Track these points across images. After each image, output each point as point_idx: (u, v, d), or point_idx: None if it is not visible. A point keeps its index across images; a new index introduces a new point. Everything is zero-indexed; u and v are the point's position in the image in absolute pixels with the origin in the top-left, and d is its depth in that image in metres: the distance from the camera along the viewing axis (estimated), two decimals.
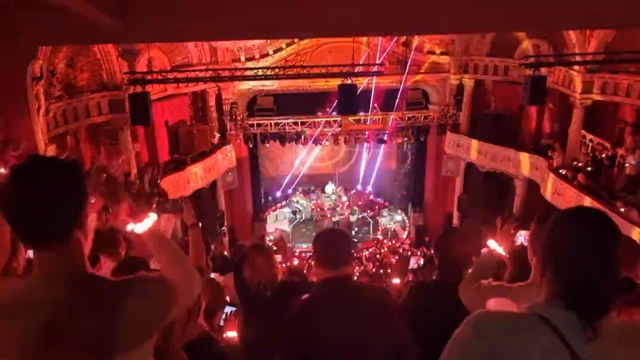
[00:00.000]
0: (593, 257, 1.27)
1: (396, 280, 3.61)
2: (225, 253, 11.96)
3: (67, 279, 1.40)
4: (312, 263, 3.79)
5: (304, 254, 18.01)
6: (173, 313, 1.57)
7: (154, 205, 3.02)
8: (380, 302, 2.52)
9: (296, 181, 21.75)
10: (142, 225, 1.98)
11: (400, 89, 16.54)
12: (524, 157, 15.20)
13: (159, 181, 12.84)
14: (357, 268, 16.24)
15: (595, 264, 1.26)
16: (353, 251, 2.98)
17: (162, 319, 1.51)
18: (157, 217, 2.27)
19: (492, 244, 2.53)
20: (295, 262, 16.52)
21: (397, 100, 16.75)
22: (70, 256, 1.43)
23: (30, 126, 8.66)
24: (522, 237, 2.59)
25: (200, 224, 3.13)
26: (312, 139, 17.17)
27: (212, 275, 5.26)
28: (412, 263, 3.88)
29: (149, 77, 11.16)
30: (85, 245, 1.48)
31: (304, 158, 21.17)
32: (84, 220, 1.46)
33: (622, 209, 10.52)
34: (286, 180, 21.69)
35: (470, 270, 2.54)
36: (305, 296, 2.63)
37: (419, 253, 15.80)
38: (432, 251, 2.97)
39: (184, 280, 1.65)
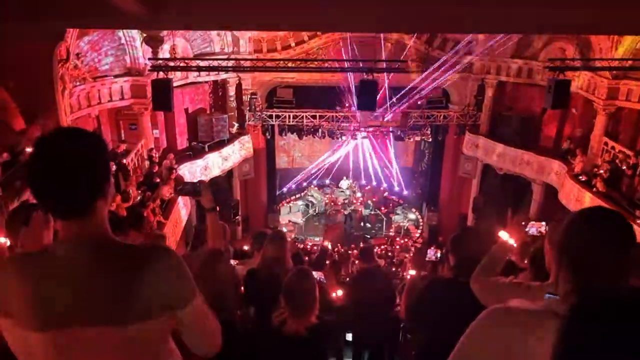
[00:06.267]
0: (607, 257, 1.27)
1: (412, 272, 3.73)
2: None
3: (91, 244, 1.42)
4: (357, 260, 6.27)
5: (315, 247, 18.09)
6: (190, 294, 1.50)
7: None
8: (385, 276, 5.48)
9: (312, 174, 21.81)
10: None
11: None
12: (544, 162, 15.01)
13: (175, 167, 12.98)
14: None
15: (608, 264, 1.27)
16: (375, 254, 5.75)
17: (181, 294, 1.47)
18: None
19: (503, 235, 2.54)
20: None
21: (412, 98, 16.63)
22: (94, 223, 1.45)
23: (55, 107, 8.81)
24: (533, 228, 2.59)
25: (218, 208, 3.14)
26: (330, 133, 17.15)
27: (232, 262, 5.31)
28: (430, 255, 3.95)
29: (171, 63, 11.24)
30: (107, 210, 1.49)
31: (321, 152, 21.20)
32: (107, 189, 1.47)
33: None
34: (301, 173, 21.76)
35: (482, 262, 2.54)
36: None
37: (434, 246, 15.74)
38: (448, 250, 2.96)
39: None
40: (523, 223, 2.62)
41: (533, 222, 2.59)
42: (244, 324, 3.27)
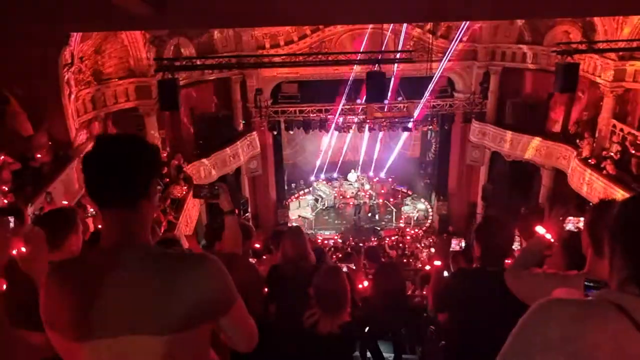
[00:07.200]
0: None
1: (437, 262, 3.62)
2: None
3: (133, 251, 1.43)
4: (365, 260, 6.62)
5: (325, 242, 18.10)
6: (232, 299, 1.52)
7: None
8: (397, 269, 5.53)
9: (319, 168, 21.79)
10: None
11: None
12: (552, 147, 14.91)
13: (184, 166, 13.00)
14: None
15: None
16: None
17: (222, 301, 1.49)
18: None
19: (540, 230, 2.50)
20: None
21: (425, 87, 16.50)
22: (137, 224, 1.47)
23: (62, 112, 8.83)
24: (571, 223, 2.55)
25: (236, 211, 3.12)
26: (337, 127, 17.08)
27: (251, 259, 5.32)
28: (454, 244, 3.84)
29: (177, 63, 11.22)
30: (150, 217, 1.54)
31: (328, 146, 21.15)
32: (153, 193, 1.52)
33: None
34: (309, 167, 21.73)
35: (517, 256, 2.51)
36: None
37: (445, 235, 15.67)
38: (473, 240, 2.93)
39: None
40: (561, 218, 2.56)
41: (570, 218, 2.54)
42: (271, 323, 3.26)
